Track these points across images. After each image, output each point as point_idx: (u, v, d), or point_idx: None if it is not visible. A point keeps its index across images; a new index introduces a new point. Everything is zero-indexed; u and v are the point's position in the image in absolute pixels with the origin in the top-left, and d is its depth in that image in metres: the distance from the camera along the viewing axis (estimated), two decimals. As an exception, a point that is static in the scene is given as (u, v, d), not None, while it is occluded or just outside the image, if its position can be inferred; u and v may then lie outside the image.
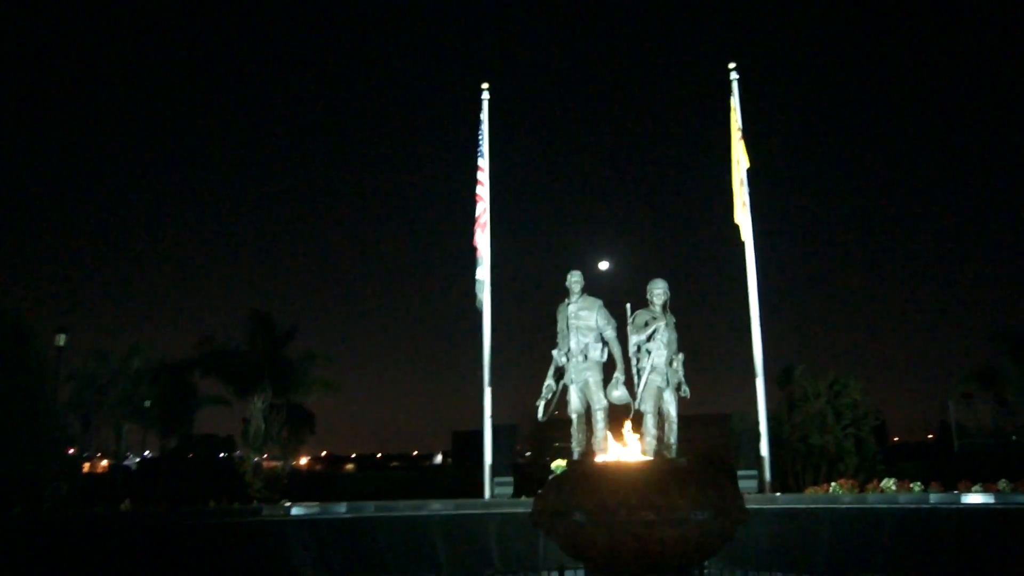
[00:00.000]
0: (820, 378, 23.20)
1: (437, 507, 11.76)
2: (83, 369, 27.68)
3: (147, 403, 29.53)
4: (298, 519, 11.82)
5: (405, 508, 11.99)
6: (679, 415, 10.25)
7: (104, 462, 35.26)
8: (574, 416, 10.24)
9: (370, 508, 12.05)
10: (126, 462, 34.04)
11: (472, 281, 12.66)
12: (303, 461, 53.94)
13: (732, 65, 12.56)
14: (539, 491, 7.78)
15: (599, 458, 9.08)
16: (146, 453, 38.81)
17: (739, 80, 12.37)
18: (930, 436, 39.39)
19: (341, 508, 12.07)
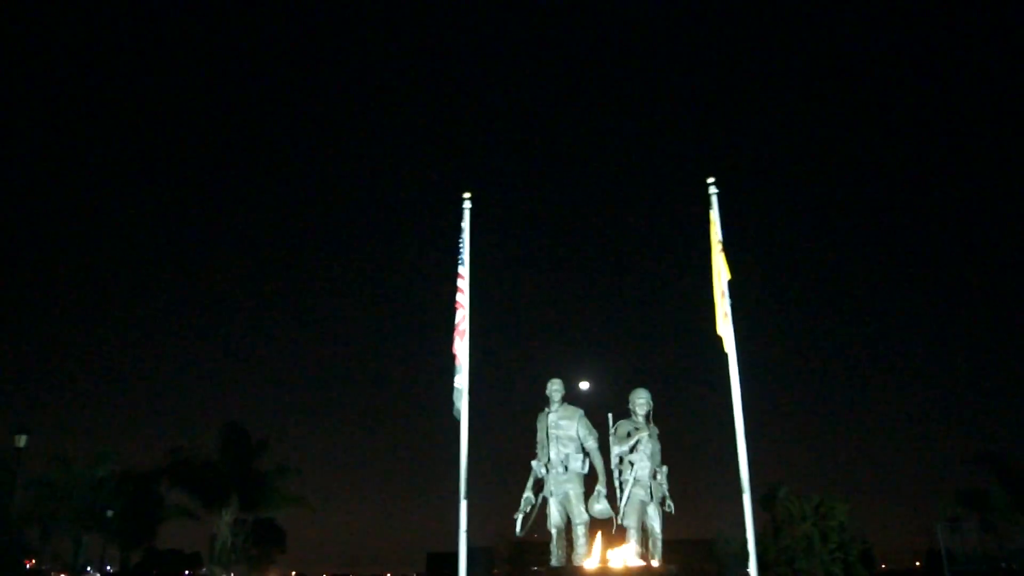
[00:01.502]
0: (805, 500, 22.79)
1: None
2: (44, 475, 26.64)
3: (109, 513, 28.30)
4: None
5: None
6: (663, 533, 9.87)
7: (61, 576, 33.51)
8: (553, 531, 9.82)
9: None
10: (84, 576, 32.38)
11: (450, 390, 12.36)
12: (271, 580, 51.71)
13: (711, 180, 12.79)
14: None
15: (582, 564, 8.61)
16: (108, 568, 36.99)
17: (718, 194, 12.57)
18: (917, 563, 38.38)
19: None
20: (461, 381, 12.45)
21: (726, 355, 12.03)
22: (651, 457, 9.87)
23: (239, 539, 27.80)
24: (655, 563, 9.67)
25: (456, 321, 12.75)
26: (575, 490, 9.79)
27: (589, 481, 9.96)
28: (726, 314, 11.98)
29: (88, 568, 34.50)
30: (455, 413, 12.42)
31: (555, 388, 10.33)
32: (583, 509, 9.70)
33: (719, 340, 12.11)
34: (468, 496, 12.07)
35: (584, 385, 10.81)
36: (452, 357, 12.61)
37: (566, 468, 9.88)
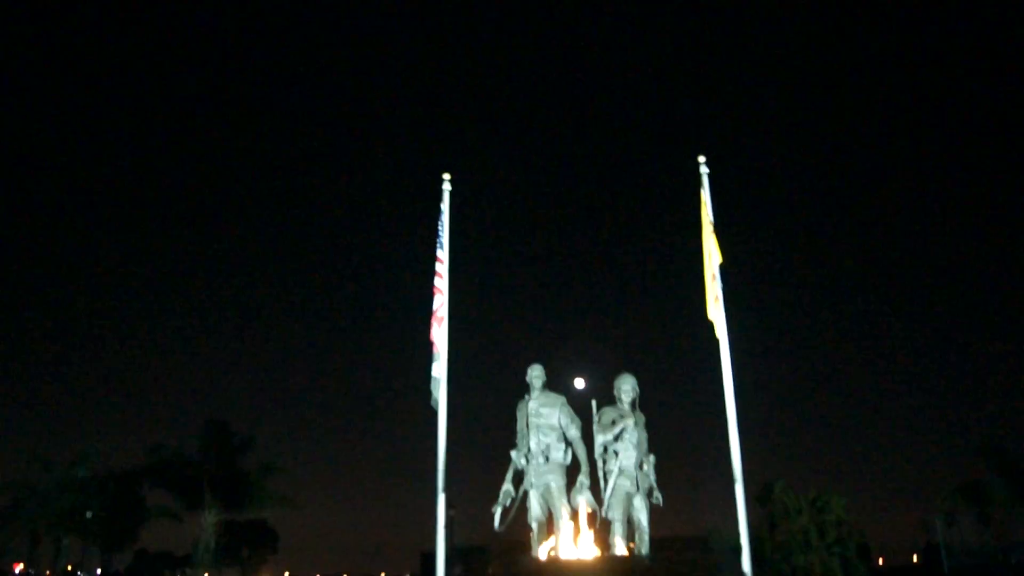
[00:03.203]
0: (801, 494, 22.26)
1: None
2: (24, 477, 26.01)
3: (89, 514, 27.65)
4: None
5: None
6: (651, 526, 9.31)
7: (45, 578, 32.93)
8: (534, 525, 9.26)
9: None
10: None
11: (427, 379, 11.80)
12: (264, 582, 51.05)
13: (702, 159, 12.27)
14: None
15: (553, 552, 8.01)
16: (98, 571, 36.39)
17: (709, 173, 12.06)
18: (915, 558, 37.94)
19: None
20: (439, 370, 11.90)
21: (717, 341, 11.53)
22: (637, 446, 9.32)
23: (224, 540, 27.14)
24: (642, 553, 9.13)
25: (434, 307, 12.21)
26: (557, 482, 9.24)
27: (572, 472, 9.41)
28: (717, 298, 11.46)
29: (79, 573, 33.95)
30: (432, 403, 11.87)
31: (536, 374, 9.77)
32: (565, 502, 9.15)
33: (710, 325, 11.60)
34: (447, 490, 11.56)
35: (580, 383, 10.15)
36: (430, 344, 12.09)
37: (547, 458, 9.33)
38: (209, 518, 26.01)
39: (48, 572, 30.78)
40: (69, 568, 31.92)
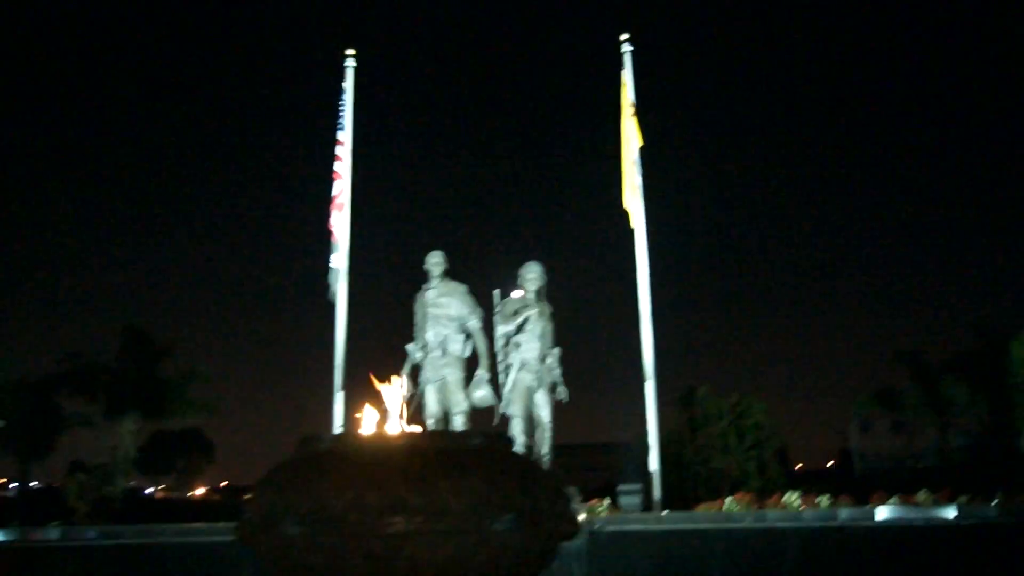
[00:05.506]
0: (723, 398, 22.38)
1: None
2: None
3: (2, 423, 26.46)
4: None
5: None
6: (554, 422, 8.80)
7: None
8: (430, 422, 8.64)
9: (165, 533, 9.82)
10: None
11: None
12: (199, 491, 50.50)
13: (624, 36, 11.40)
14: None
15: (344, 435, 7.19)
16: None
17: (632, 52, 11.24)
18: (831, 462, 39.36)
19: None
20: (338, 260, 11.08)
21: (633, 231, 10.93)
22: (540, 338, 8.68)
23: (150, 450, 26.36)
24: (544, 455, 8.64)
25: (334, 193, 11.29)
26: (454, 375, 8.59)
27: (471, 366, 8.76)
28: (636, 186, 10.78)
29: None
30: (330, 296, 11.09)
31: (435, 261, 8.98)
32: (462, 397, 8.54)
33: (626, 215, 10.98)
34: (346, 387, 10.91)
35: (500, 296, 9.20)
36: (328, 233, 11.22)
37: (444, 351, 8.65)
38: (128, 425, 25.21)
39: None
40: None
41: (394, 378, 6.91)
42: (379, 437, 3.68)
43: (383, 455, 3.21)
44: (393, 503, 2.93)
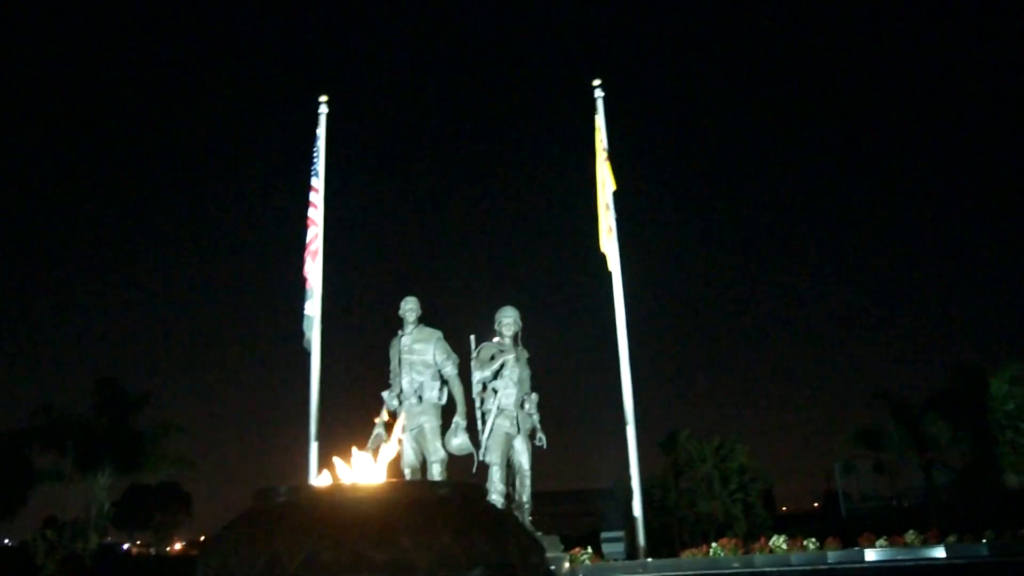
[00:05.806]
0: (705, 442, 22.24)
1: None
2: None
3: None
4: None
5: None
6: (534, 469, 8.62)
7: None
8: (407, 471, 8.43)
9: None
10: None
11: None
12: (178, 546, 49.19)
13: (597, 82, 11.50)
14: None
15: (300, 487, 6.96)
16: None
17: (604, 98, 11.34)
18: (816, 504, 39.13)
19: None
20: (313, 308, 10.93)
21: (610, 274, 10.89)
22: (518, 384, 8.53)
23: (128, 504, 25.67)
24: (524, 503, 8.44)
25: (308, 240, 11.18)
26: (430, 423, 8.39)
27: (447, 413, 8.58)
28: (611, 229, 10.78)
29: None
30: (305, 344, 10.91)
31: (409, 307, 8.84)
32: (439, 445, 8.33)
33: (603, 257, 10.95)
34: (319, 438, 10.65)
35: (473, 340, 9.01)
36: (303, 281, 11.08)
37: (420, 398, 8.47)
38: (102, 480, 24.61)
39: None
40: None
41: (376, 419, 6.68)
42: (339, 489, 3.50)
43: (343, 508, 3.04)
44: (352, 560, 2.76)
